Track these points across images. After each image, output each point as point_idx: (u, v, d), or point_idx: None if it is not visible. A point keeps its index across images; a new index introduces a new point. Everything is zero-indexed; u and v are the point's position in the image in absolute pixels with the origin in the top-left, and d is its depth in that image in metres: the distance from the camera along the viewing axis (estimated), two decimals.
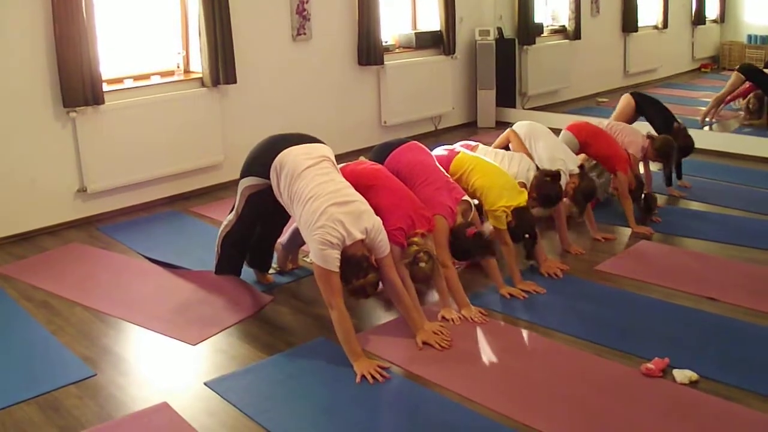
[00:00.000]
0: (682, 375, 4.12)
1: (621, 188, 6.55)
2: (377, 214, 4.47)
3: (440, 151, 5.70)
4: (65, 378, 4.28)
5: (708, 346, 4.49)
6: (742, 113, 10.42)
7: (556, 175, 5.63)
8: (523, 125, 6.39)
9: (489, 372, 4.29)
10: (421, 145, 5.46)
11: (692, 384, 4.08)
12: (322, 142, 4.88)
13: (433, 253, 4.67)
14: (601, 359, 4.39)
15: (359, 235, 4.27)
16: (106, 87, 6.92)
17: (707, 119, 10.27)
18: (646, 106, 7.83)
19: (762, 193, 7.61)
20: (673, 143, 7.01)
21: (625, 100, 7.89)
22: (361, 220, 4.31)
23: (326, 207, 4.25)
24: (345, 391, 4.10)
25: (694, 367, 4.17)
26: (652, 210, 6.73)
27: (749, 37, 15.49)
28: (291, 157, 4.58)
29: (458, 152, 5.64)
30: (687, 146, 7.42)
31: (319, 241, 4.19)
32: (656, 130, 7.36)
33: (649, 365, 4.20)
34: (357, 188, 4.60)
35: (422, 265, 4.58)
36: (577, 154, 6.50)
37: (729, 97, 10.35)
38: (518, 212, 5.29)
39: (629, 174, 6.53)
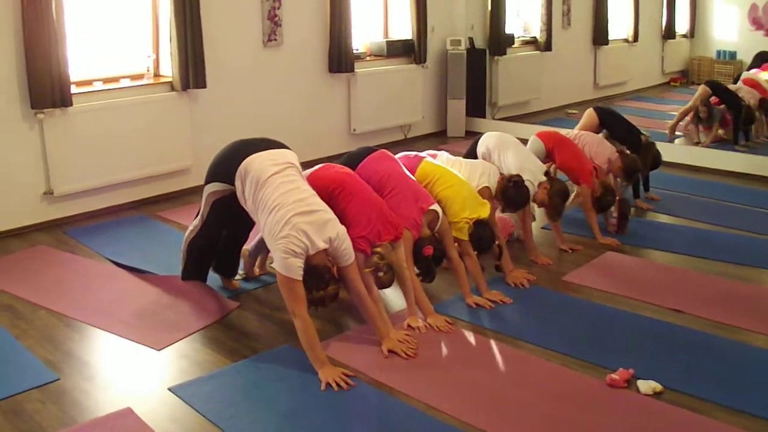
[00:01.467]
0: (646, 386, 4.14)
1: (585, 201, 6.58)
2: (342, 222, 4.48)
3: (404, 155, 5.71)
4: (28, 382, 4.23)
5: (672, 357, 4.52)
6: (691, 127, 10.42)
7: (518, 180, 5.67)
8: (492, 136, 6.40)
9: (454, 381, 4.29)
10: (389, 153, 5.47)
11: (656, 395, 4.10)
12: (287, 148, 4.87)
13: (393, 264, 4.71)
14: (566, 369, 4.40)
15: (323, 245, 4.27)
16: (74, 89, 6.88)
17: (676, 132, 10.33)
18: (610, 121, 7.85)
19: (729, 206, 7.68)
20: (640, 166, 7.07)
21: (589, 115, 7.90)
22: (325, 230, 4.31)
23: (290, 216, 4.25)
24: (310, 398, 4.09)
25: (659, 378, 4.20)
26: (628, 216, 6.76)
27: (718, 52, 15.64)
28: (256, 163, 4.57)
29: (423, 158, 5.67)
30: (655, 160, 7.49)
31: (282, 250, 4.19)
32: (622, 144, 7.37)
33: (614, 376, 4.21)
34: (323, 194, 4.62)
35: (381, 275, 4.66)
36: (543, 162, 6.53)
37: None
38: (477, 225, 5.32)
39: (594, 184, 6.56)
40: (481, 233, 5.34)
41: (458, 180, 5.51)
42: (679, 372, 4.33)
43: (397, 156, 5.60)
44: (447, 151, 6.19)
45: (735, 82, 11.49)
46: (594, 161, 6.80)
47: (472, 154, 6.38)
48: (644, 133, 7.73)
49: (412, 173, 5.45)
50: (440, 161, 5.84)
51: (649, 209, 7.51)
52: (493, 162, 6.15)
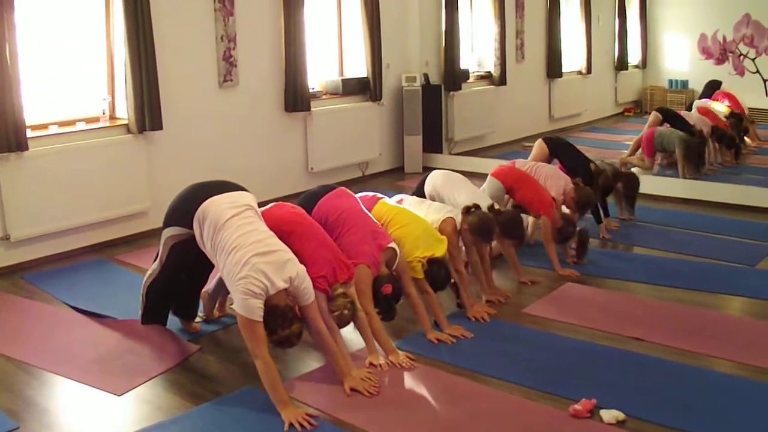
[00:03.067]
0: (609, 415, 4.16)
1: (545, 232, 6.63)
2: (299, 262, 4.48)
3: (362, 195, 5.74)
4: None
5: (635, 385, 4.54)
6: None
7: (476, 206, 5.69)
8: (438, 175, 6.49)
9: (418, 418, 4.28)
10: (347, 191, 5.50)
11: (619, 424, 4.12)
12: (245, 189, 4.87)
13: (354, 301, 4.74)
14: (529, 402, 4.41)
15: (282, 285, 4.27)
16: (30, 133, 6.83)
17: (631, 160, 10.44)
18: (559, 151, 7.94)
19: (684, 234, 7.78)
20: (593, 199, 7.12)
21: (539, 147, 7.99)
22: (285, 270, 4.31)
23: (249, 257, 4.25)
24: None
25: (622, 407, 4.21)
26: (587, 245, 6.78)
27: (670, 81, 15.87)
28: (213, 207, 4.57)
29: (380, 198, 5.69)
30: (607, 187, 7.57)
31: (242, 291, 4.19)
32: (572, 173, 7.42)
33: (577, 406, 4.23)
34: (278, 234, 4.62)
35: (345, 312, 4.68)
36: (503, 198, 6.60)
37: None
38: (431, 264, 5.33)
39: (555, 215, 6.60)
40: (435, 273, 5.34)
41: (412, 219, 5.53)
42: (641, 400, 4.35)
43: (357, 194, 5.63)
44: (404, 186, 6.21)
45: (688, 110, 11.66)
46: (549, 192, 6.86)
47: (419, 194, 6.44)
48: (593, 161, 7.80)
49: (371, 209, 5.47)
50: (406, 204, 5.88)
51: (607, 238, 7.56)
52: (441, 201, 6.21)
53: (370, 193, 5.83)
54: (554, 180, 7.05)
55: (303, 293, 4.40)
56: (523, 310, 5.81)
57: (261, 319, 4.20)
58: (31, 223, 6.88)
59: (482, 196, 6.35)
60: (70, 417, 4.41)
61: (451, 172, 6.55)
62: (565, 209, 6.98)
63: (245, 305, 4.18)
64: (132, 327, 5.47)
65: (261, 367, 4.23)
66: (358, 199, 5.50)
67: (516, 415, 4.28)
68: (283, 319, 4.28)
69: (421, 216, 5.65)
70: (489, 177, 6.99)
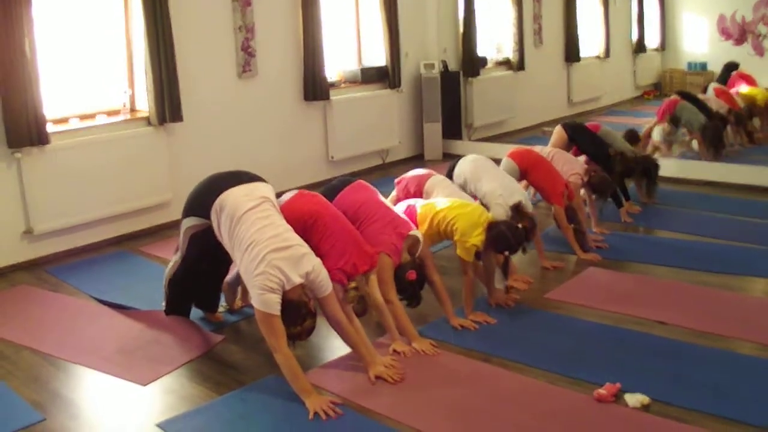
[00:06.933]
0: (633, 399, 4.15)
1: (559, 219, 6.63)
2: (318, 253, 4.51)
3: (402, 206, 5.72)
4: (14, 423, 4.20)
5: (659, 369, 4.53)
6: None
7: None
8: (468, 164, 6.43)
9: (443, 404, 4.28)
10: (365, 183, 5.51)
11: (644, 407, 4.11)
12: (263, 180, 4.88)
13: (365, 294, 4.80)
14: (553, 387, 4.41)
15: (299, 280, 4.29)
16: (51, 127, 6.87)
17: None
18: (578, 137, 7.91)
19: (706, 216, 7.75)
20: (609, 183, 7.12)
21: (558, 132, 7.97)
22: (301, 265, 4.33)
23: (266, 253, 4.26)
24: (298, 428, 4.07)
25: (646, 391, 4.21)
26: (586, 244, 6.72)
27: (689, 64, 15.78)
28: (231, 199, 4.58)
29: (433, 174, 5.91)
30: (625, 172, 7.53)
31: (259, 286, 4.20)
32: (592, 159, 7.44)
33: (601, 391, 4.22)
34: (298, 225, 4.66)
35: (356, 305, 4.77)
36: (518, 180, 6.59)
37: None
38: (490, 228, 5.29)
39: (564, 204, 6.61)
40: (502, 231, 5.28)
41: (453, 201, 5.55)
42: (666, 383, 4.34)
43: (408, 174, 5.91)
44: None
45: (705, 91, 11.61)
46: (568, 179, 6.85)
47: (448, 178, 6.43)
48: (612, 146, 7.78)
49: (421, 189, 5.71)
50: (433, 181, 6.03)
51: (628, 222, 7.54)
52: (469, 191, 6.20)
53: (423, 171, 5.97)
54: (571, 166, 7.07)
55: (320, 285, 4.41)
56: (545, 295, 5.81)
57: (279, 313, 4.22)
58: (53, 216, 6.91)
59: (508, 185, 6.25)
60: (95, 408, 4.43)
61: (479, 157, 6.51)
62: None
63: (263, 300, 4.20)
64: (156, 318, 5.50)
65: (281, 360, 4.25)
66: (376, 191, 5.52)
67: (540, 400, 4.27)
68: (296, 315, 4.31)
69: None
70: (505, 158, 6.98)
